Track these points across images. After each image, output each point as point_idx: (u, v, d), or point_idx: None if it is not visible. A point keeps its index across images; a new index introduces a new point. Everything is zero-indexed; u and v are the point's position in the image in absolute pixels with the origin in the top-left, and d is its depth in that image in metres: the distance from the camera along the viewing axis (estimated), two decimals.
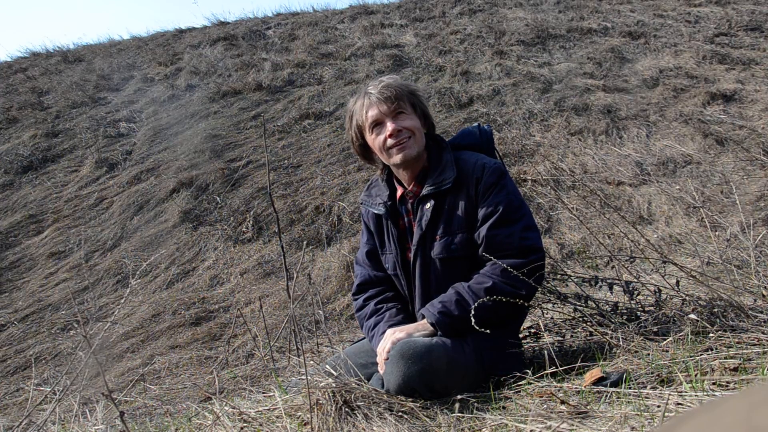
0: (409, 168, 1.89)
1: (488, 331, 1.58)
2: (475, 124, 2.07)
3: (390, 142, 1.81)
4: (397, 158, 1.83)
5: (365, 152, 1.97)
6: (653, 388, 1.42)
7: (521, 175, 5.57)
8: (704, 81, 6.76)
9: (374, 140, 1.86)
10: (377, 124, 1.84)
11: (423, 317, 1.78)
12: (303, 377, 1.70)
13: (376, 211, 1.97)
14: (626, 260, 2.19)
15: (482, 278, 1.73)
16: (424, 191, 1.84)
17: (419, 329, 1.75)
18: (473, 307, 1.64)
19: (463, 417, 1.47)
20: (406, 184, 1.93)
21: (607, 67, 7.44)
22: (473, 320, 1.60)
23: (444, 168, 1.83)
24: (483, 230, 1.77)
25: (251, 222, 5.67)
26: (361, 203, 2.06)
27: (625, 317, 2.00)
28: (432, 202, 1.82)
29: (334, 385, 1.55)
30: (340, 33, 10.05)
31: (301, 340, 3.49)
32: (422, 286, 1.86)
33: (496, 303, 1.65)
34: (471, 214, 1.80)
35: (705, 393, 1.32)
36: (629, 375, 1.49)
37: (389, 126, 1.80)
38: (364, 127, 1.88)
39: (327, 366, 1.73)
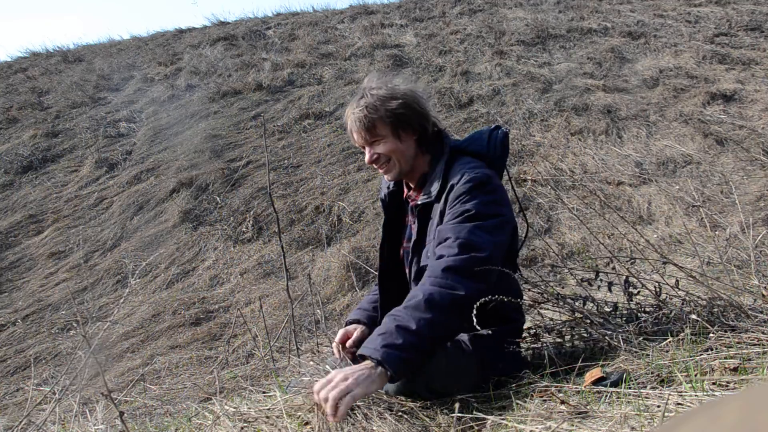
0: (405, 177, 1.90)
1: (464, 335, 1.56)
2: (492, 125, 1.96)
3: (373, 164, 1.85)
4: (385, 178, 1.89)
5: None
6: (653, 388, 1.42)
7: (521, 175, 5.57)
8: (704, 81, 6.76)
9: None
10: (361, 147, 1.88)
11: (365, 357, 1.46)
12: (303, 377, 1.70)
13: (380, 197, 2.03)
14: (626, 261, 2.19)
15: (413, 293, 1.54)
16: (419, 201, 1.82)
17: (358, 373, 1.38)
18: (420, 325, 1.45)
19: (463, 417, 1.47)
20: (412, 185, 1.93)
21: (607, 67, 7.44)
22: (428, 342, 1.45)
23: (433, 180, 1.80)
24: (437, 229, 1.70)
25: (251, 222, 5.67)
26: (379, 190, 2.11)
27: (625, 317, 2.00)
28: (420, 212, 1.82)
29: None
30: (340, 33, 10.05)
31: (301, 340, 3.50)
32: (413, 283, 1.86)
33: (443, 312, 1.48)
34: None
35: (705, 393, 1.32)
36: (629, 375, 1.49)
37: (366, 155, 1.83)
38: None
39: (327, 366, 1.73)
